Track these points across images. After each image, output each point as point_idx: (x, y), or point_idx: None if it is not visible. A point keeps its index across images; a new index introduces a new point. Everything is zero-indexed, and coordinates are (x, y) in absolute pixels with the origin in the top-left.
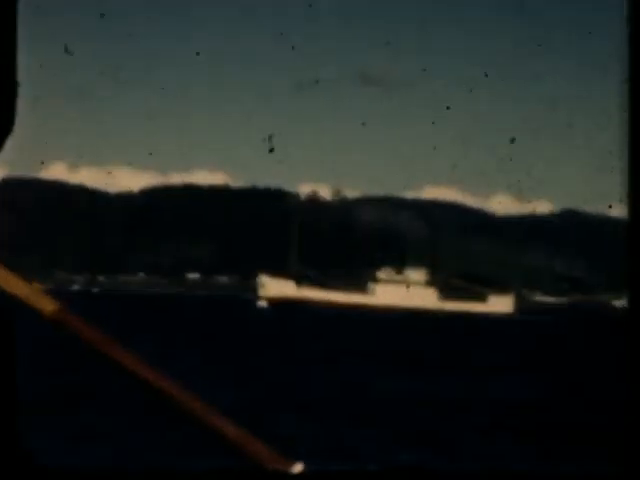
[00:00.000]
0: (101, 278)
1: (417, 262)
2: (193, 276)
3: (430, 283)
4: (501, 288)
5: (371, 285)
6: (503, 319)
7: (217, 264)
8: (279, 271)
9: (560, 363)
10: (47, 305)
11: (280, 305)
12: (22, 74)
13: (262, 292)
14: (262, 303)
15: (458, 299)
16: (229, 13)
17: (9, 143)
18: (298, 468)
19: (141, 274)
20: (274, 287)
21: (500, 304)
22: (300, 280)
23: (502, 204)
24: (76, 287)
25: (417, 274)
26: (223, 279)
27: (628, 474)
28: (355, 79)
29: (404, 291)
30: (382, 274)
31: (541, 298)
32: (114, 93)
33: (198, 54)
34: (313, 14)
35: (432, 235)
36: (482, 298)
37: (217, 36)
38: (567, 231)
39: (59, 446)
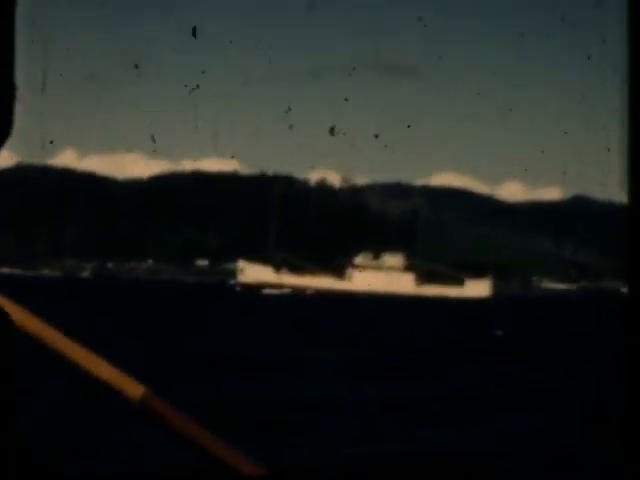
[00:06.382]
0: (110, 265)
1: (415, 248)
2: (202, 263)
3: (408, 268)
4: (480, 273)
5: (349, 270)
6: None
7: (226, 250)
8: (261, 256)
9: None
10: (134, 390)
11: (255, 290)
12: (20, 76)
13: (241, 277)
14: (239, 288)
15: (435, 284)
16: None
17: (17, 130)
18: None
19: (150, 261)
20: (252, 272)
21: (477, 288)
22: (279, 265)
23: (512, 191)
24: (85, 274)
25: (394, 259)
26: (232, 265)
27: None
28: (368, 65)
29: (381, 276)
30: (359, 259)
31: (550, 285)
32: (124, 80)
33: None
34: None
35: (412, 220)
36: (459, 283)
37: (230, 20)
38: (576, 218)
39: None
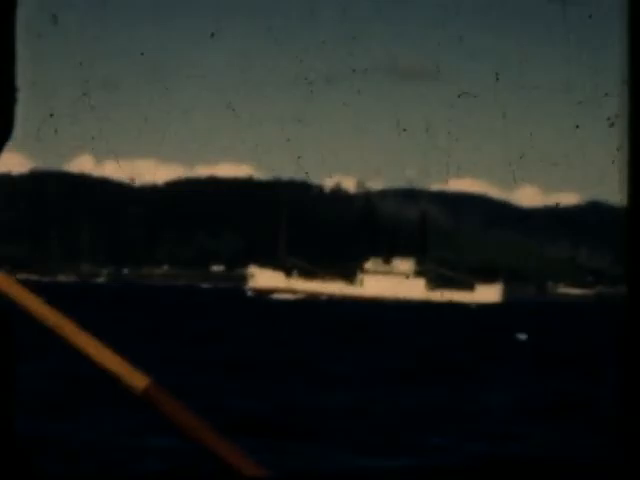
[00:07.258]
0: (125, 271)
1: (426, 253)
2: (217, 268)
3: (419, 273)
4: (491, 278)
5: (359, 275)
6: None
7: (242, 256)
8: (271, 262)
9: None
10: (138, 381)
11: (266, 295)
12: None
13: (251, 283)
14: (250, 293)
15: (446, 289)
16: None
17: (35, 136)
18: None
19: (165, 266)
20: (263, 278)
21: (487, 294)
22: (289, 270)
23: (528, 196)
24: (101, 280)
25: (405, 264)
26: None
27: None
28: (381, 69)
29: (392, 281)
30: (369, 265)
31: (565, 290)
32: (138, 84)
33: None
34: (346, 3)
35: (424, 225)
36: (470, 288)
37: (241, 23)
38: (592, 223)
39: None
